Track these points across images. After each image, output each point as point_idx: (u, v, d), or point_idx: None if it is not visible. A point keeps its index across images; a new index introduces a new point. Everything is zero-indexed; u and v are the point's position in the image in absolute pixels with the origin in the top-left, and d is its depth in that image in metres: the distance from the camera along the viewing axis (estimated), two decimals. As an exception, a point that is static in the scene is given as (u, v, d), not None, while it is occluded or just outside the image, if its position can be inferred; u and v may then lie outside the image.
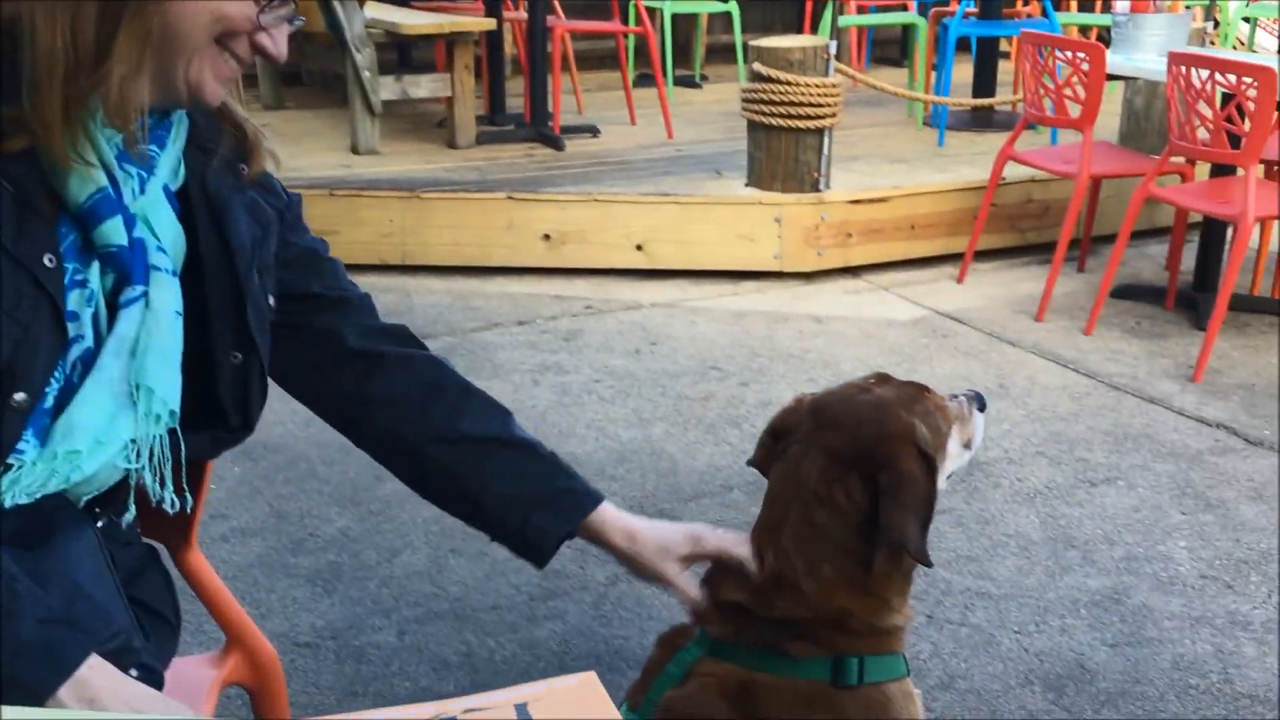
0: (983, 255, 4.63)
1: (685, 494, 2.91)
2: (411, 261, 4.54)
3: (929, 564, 1.26)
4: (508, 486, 1.33)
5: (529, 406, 3.41)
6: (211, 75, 1.10)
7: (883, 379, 1.38)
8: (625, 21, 6.17)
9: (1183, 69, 3.64)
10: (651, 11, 6.32)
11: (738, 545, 1.34)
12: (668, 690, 1.31)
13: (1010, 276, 4.59)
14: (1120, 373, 3.67)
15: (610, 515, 1.35)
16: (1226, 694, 2.20)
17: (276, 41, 1.12)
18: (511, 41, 6.37)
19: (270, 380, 1.29)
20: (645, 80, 6.44)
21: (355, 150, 5.17)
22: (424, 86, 5.31)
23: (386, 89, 5.16)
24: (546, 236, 4.50)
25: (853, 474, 1.27)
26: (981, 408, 1.45)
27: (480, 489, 1.33)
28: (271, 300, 1.26)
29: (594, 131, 5.63)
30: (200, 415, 1.21)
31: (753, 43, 4.49)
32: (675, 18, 6.86)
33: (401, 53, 6.31)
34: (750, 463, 1.41)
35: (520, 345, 3.89)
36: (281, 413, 3.10)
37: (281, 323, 1.27)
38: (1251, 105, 3.46)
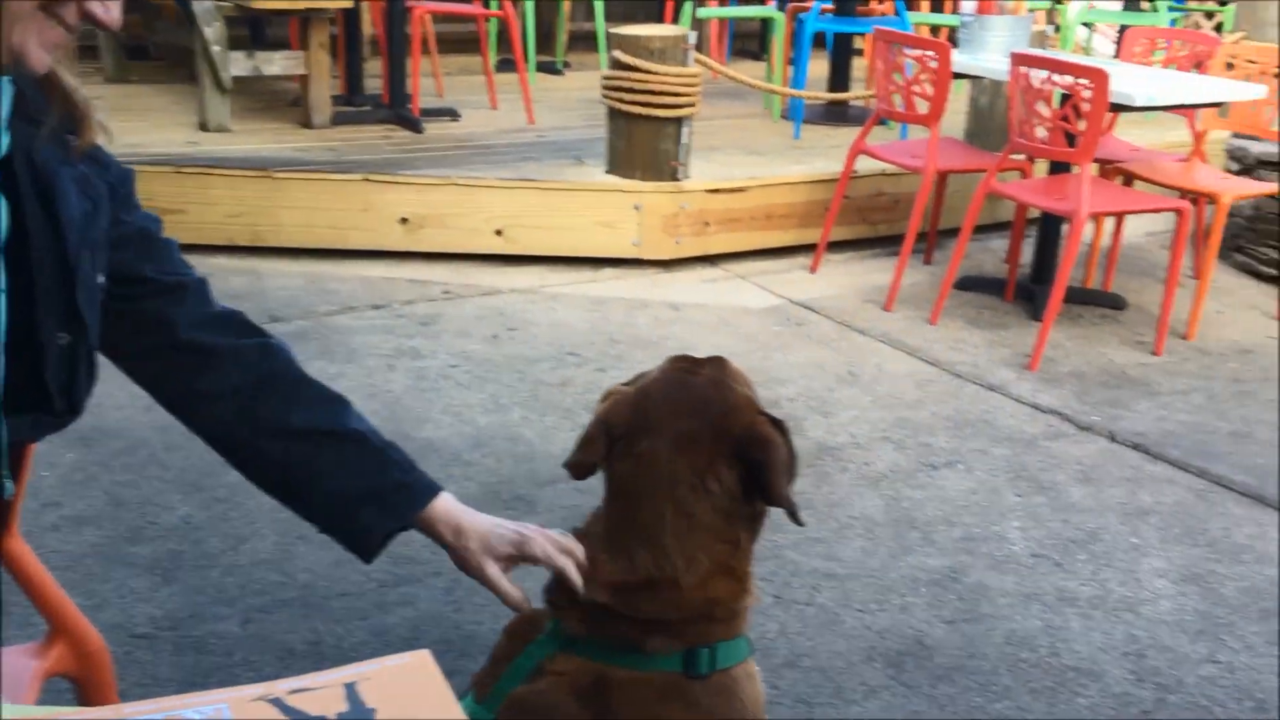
0: (835, 246, 4.75)
1: (541, 479, 2.91)
2: (263, 243, 4.41)
3: (802, 523, 1.29)
4: (338, 480, 1.31)
5: (384, 391, 3.36)
6: (36, 41, 1.04)
7: (686, 359, 1.38)
8: (487, 5, 6.11)
9: (1023, 69, 3.80)
10: (514, -5, 6.28)
11: (562, 555, 1.32)
12: (517, 685, 1.30)
13: (861, 267, 4.72)
14: (962, 361, 3.81)
15: (442, 509, 1.34)
16: (1054, 667, 2.32)
17: (108, 8, 1.08)
18: (370, 21, 6.24)
19: (105, 362, 1.24)
20: (507, 65, 6.39)
21: (204, 127, 4.99)
22: (277, 64, 5.16)
23: (237, 65, 5.00)
24: (404, 220, 4.43)
25: (720, 458, 1.28)
26: None
27: (311, 483, 1.31)
28: (102, 279, 1.21)
29: (454, 115, 5.57)
30: (23, 397, 1.16)
31: (613, 31, 4.51)
32: (538, 3, 6.82)
33: (254, 28, 6.12)
34: (576, 464, 1.35)
35: (376, 330, 3.82)
36: (120, 397, 2.99)
37: (110, 306, 1.22)
38: (1086, 106, 3.63)
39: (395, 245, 4.46)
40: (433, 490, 1.35)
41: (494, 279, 4.37)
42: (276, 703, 0.69)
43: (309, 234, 4.43)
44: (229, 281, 4.11)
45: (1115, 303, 4.36)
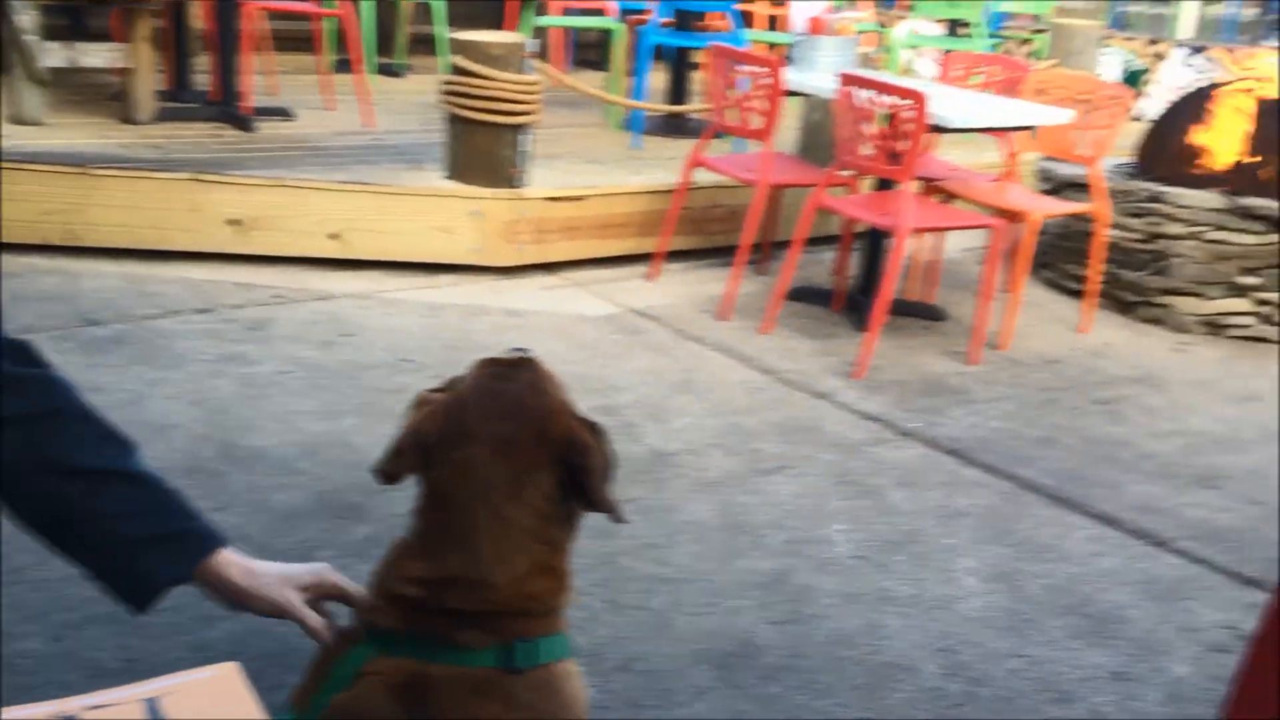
0: (673, 255, 4.83)
1: (373, 488, 2.82)
2: (78, 243, 4.21)
3: (626, 520, 1.32)
4: (119, 524, 1.25)
5: (210, 398, 3.26)
6: None
7: (498, 362, 1.38)
8: (323, 3, 5.98)
9: (849, 89, 3.94)
10: (352, -5, 6.16)
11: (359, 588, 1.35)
12: (336, 693, 1.28)
13: (697, 277, 4.81)
14: (792, 369, 3.93)
15: (230, 555, 1.31)
16: (873, 664, 2.41)
17: None
18: (199, 15, 6.02)
19: None
20: (345, 65, 6.26)
21: (17, 120, 4.74)
22: (96, 55, 4.93)
23: (53, 56, 4.76)
24: (233, 221, 4.30)
25: (538, 463, 1.29)
26: None
27: (89, 524, 1.25)
28: None
29: (288, 115, 5.43)
30: None
31: (453, 36, 4.48)
32: (378, 4, 6.71)
33: (75, 18, 5.84)
34: (385, 474, 1.35)
35: (201, 334, 3.70)
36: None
37: None
38: (908, 126, 3.80)
39: (223, 247, 4.32)
40: (220, 540, 1.31)
41: (328, 283, 4.28)
42: (72, 720, 0.67)
43: (129, 234, 4.25)
44: (40, 282, 3.91)
45: (935, 314, 4.56)
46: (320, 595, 1.37)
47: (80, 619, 2.23)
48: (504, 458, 1.28)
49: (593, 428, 1.33)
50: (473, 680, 1.26)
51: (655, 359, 3.91)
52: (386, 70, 7.07)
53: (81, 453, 1.25)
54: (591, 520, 2.95)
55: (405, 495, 2.62)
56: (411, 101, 6.22)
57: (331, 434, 3.13)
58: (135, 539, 1.25)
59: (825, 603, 2.61)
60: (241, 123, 5.11)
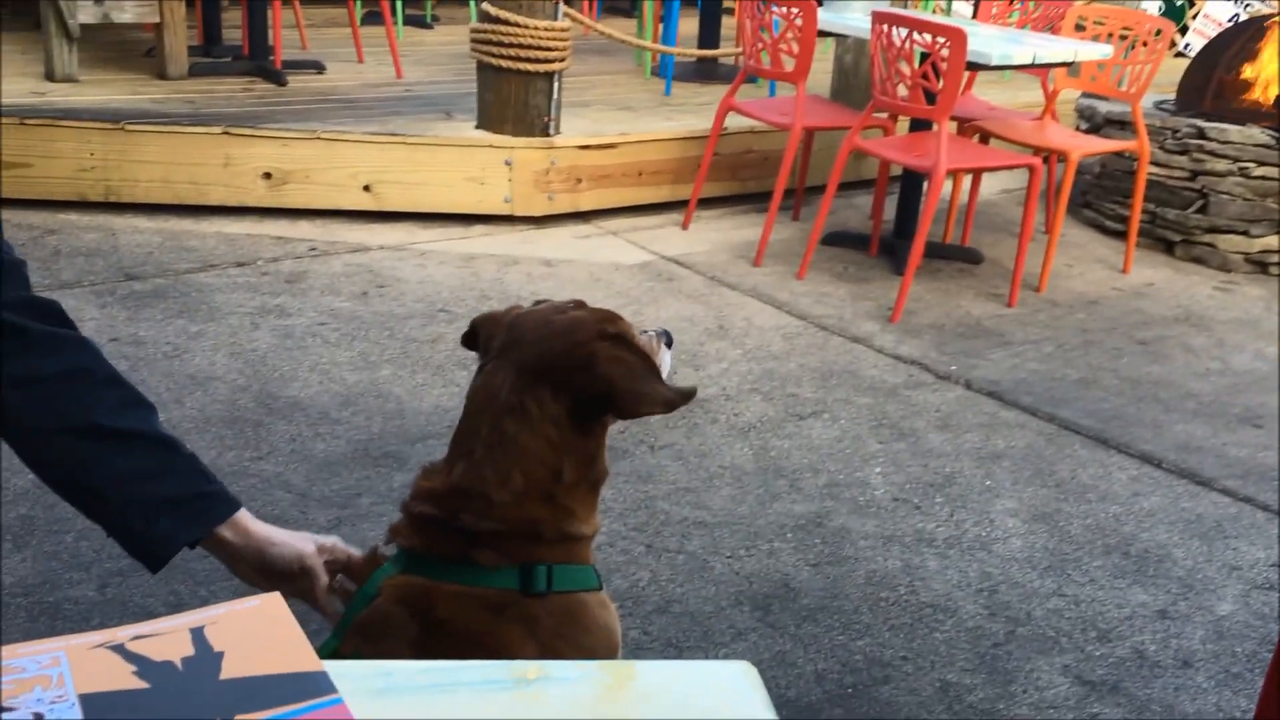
0: (706, 202, 4.79)
1: (412, 436, 2.89)
2: (116, 199, 4.24)
3: (690, 397, 1.32)
4: (138, 484, 1.26)
5: (248, 350, 3.29)
6: None
7: (579, 305, 1.40)
8: (351, -45, 5.94)
9: (884, 27, 3.88)
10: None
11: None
12: (358, 612, 1.31)
13: (730, 223, 4.78)
14: (828, 314, 3.90)
15: (246, 515, 1.34)
16: (912, 604, 2.41)
17: None
18: (228, -31, 6.02)
19: None
20: (374, 18, 6.24)
21: (50, 77, 4.76)
22: (128, 11, 4.94)
23: (86, 12, 4.77)
24: (267, 175, 4.31)
25: (544, 385, 1.30)
26: (669, 344, 1.52)
27: (107, 484, 1.26)
28: None
29: (319, 68, 5.42)
30: None
31: (482, -17, 4.44)
32: (404, -46, 6.67)
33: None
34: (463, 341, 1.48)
35: (239, 288, 3.72)
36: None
37: None
38: (944, 64, 3.73)
39: (258, 201, 4.34)
40: (235, 504, 1.33)
41: (362, 235, 4.29)
42: (118, 649, 0.67)
43: (166, 190, 4.27)
44: (81, 238, 3.95)
45: (972, 257, 4.51)
46: (333, 561, 1.40)
47: (128, 566, 2.27)
48: (518, 376, 1.30)
49: (624, 342, 1.33)
50: (491, 600, 1.28)
51: (690, 306, 3.89)
52: (415, 22, 7.04)
53: (105, 414, 1.27)
54: (628, 465, 2.96)
55: (444, 444, 2.64)
56: (441, 52, 6.20)
57: (368, 384, 3.15)
58: (153, 501, 1.27)
59: (863, 544, 2.61)
60: (273, 76, 5.11)
